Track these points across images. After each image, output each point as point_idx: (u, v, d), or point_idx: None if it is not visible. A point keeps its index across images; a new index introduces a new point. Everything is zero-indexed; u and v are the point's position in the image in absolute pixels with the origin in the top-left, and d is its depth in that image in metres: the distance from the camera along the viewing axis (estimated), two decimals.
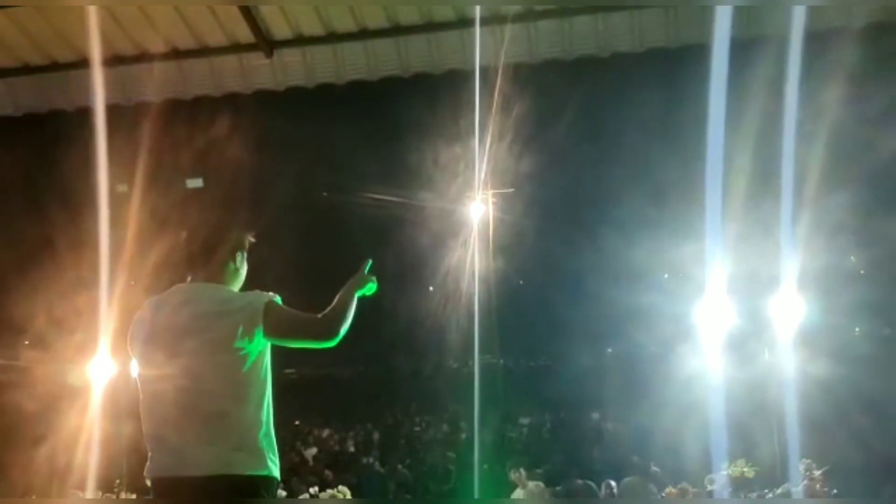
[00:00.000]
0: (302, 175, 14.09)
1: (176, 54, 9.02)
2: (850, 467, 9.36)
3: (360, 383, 20.27)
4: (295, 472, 13.43)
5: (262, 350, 3.18)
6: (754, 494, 6.44)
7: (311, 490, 7.19)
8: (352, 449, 15.72)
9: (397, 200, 14.22)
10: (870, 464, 10.15)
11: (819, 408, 10.32)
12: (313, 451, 14.98)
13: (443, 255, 14.96)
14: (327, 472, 13.45)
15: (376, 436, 16.63)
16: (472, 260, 14.13)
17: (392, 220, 15.38)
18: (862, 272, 15.28)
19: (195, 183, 13.84)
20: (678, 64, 9.77)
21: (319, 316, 3.22)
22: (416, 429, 16.89)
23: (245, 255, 3.42)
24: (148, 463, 3.14)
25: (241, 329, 3.09)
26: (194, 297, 3.25)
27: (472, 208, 14.01)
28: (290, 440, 16.00)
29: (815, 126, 10.22)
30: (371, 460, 14.49)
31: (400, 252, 17.62)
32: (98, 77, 8.73)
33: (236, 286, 3.37)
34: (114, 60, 8.80)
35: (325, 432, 16.38)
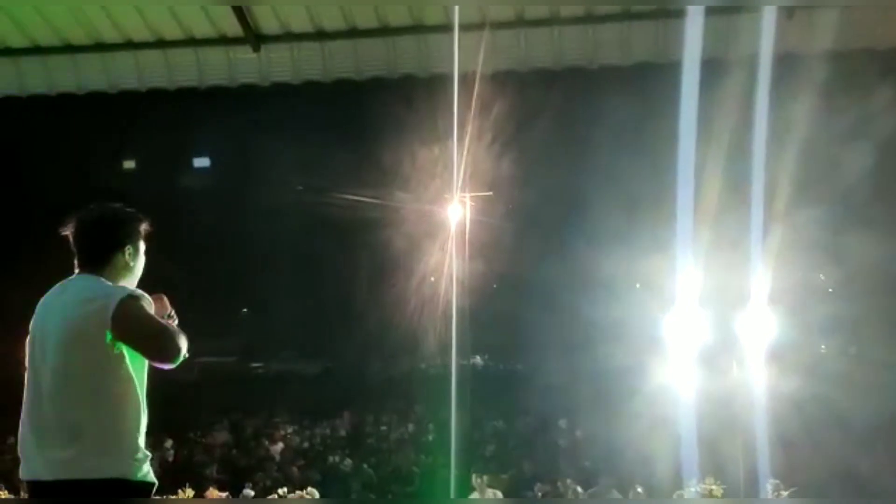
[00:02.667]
0: (281, 172, 14.00)
1: (162, 44, 8.93)
2: (818, 484, 9.50)
3: (330, 381, 20.19)
4: (261, 468, 13.33)
5: (122, 350, 2.99)
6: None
7: (281, 490, 7.12)
8: (318, 446, 15.63)
9: (376, 201, 14.18)
10: (836, 480, 10.32)
11: (786, 425, 10.46)
12: (279, 446, 14.88)
13: (418, 256, 14.94)
14: (293, 468, 13.37)
15: (343, 434, 16.56)
16: (448, 262, 14.11)
17: (369, 220, 15.32)
18: (830, 290, 15.54)
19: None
20: (663, 78, 9.85)
21: (168, 330, 3.03)
22: (383, 428, 16.83)
23: (139, 247, 3.22)
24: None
25: (92, 327, 2.93)
26: (68, 290, 3.09)
27: (450, 210, 13.98)
28: (257, 435, 15.87)
29: (785, 143, 10.37)
30: (337, 458, 14.41)
31: (376, 252, 17.60)
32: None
33: (127, 281, 3.17)
34: (97, 47, 8.69)
35: (292, 428, 16.27)
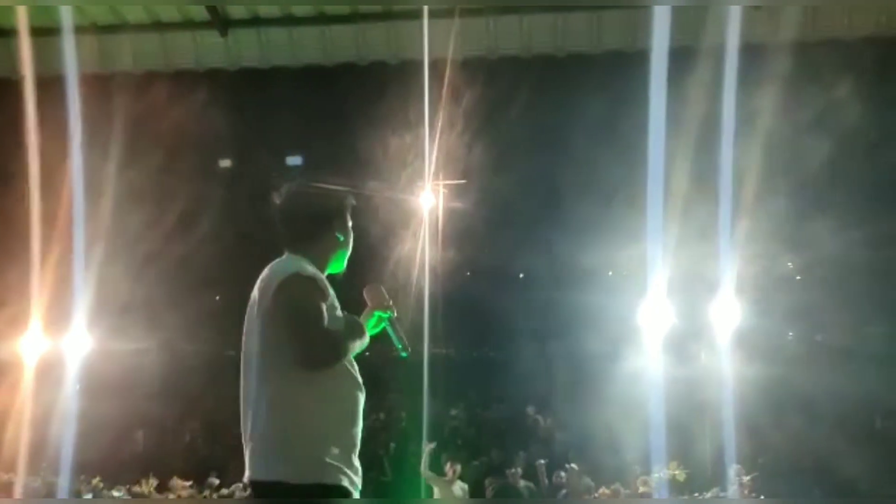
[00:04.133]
0: (242, 160, 13.89)
1: (126, 28, 8.83)
2: (782, 469, 9.64)
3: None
4: (231, 455, 13.28)
5: None
6: (685, 497, 6.57)
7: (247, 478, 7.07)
8: None
9: (347, 189, 14.09)
10: (801, 466, 10.47)
11: (753, 411, 10.58)
12: None
13: (391, 244, 14.91)
14: None
15: None
16: (421, 249, 14.11)
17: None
18: (798, 277, 15.71)
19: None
20: (633, 68, 9.89)
21: (321, 333, 2.73)
22: None
23: (347, 223, 3.01)
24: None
25: (268, 312, 2.71)
26: (268, 272, 2.84)
27: (422, 198, 13.97)
28: (228, 424, 15.80)
29: (753, 133, 10.47)
30: None
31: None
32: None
33: (339, 260, 2.99)
34: (55, 30, 8.57)
35: None
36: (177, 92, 9.79)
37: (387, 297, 3.08)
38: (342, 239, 3.00)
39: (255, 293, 2.86)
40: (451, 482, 9.52)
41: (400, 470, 13.02)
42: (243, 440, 2.82)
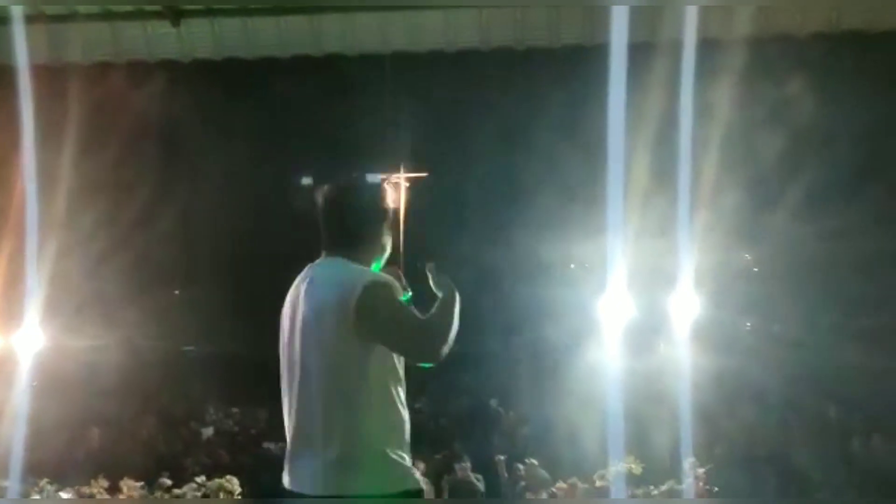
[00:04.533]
0: (202, 153, 13.69)
1: (76, 17, 8.62)
2: (737, 461, 9.75)
3: (265, 364, 19.96)
4: (188, 453, 13.12)
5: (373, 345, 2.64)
6: (640, 491, 6.61)
7: (199, 479, 6.99)
8: (252, 430, 15.45)
9: (306, 182, 14.00)
10: (756, 456, 10.60)
11: (710, 403, 10.69)
12: (210, 430, 14.66)
13: None
14: (221, 452, 13.18)
15: (277, 418, 16.41)
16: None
17: (301, 201, 15.12)
18: (756, 269, 15.92)
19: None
20: (592, 62, 9.89)
21: (424, 324, 2.67)
22: None
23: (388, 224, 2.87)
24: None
25: (338, 319, 2.60)
26: (315, 276, 2.75)
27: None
28: (186, 419, 15.60)
29: (710, 128, 10.55)
30: (270, 443, 14.27)
31: (307, 233, 17.39)
32: None
33: (381, 262, 2.88)
34: (2, 20, 8.34)
35: (225, 412, 16.04)
36: (129, 83, 9.60)
37: (403, 280, 2.95)
38: (385, 243, 2.90)
39: (308, 300, 2.71)
40: None
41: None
42: (296, 450, 2.73)
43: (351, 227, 2.82)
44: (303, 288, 2.77)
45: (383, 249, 2.88)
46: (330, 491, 2.62)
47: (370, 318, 2.61)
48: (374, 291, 2.64)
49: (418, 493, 2.77)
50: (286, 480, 2.79)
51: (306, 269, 2.86)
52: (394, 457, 2.69)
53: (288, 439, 2.81)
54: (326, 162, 13.25)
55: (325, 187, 2.89)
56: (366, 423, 2.65)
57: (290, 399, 2.79)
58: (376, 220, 2.84)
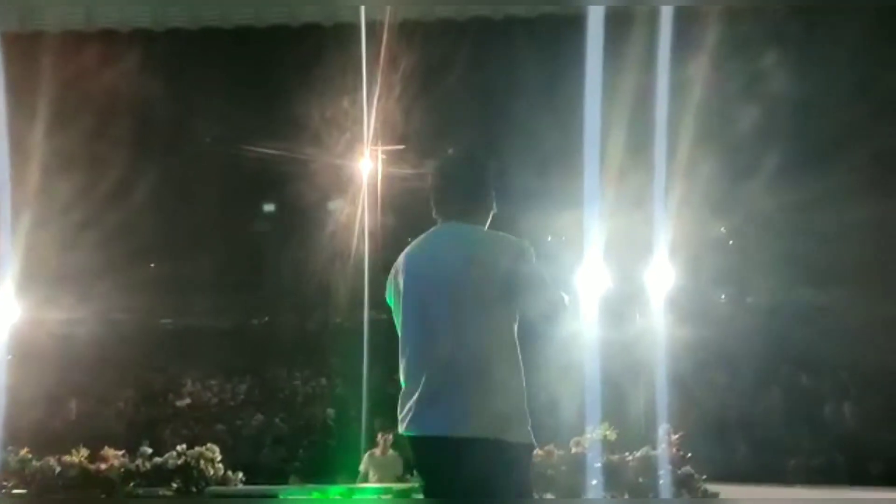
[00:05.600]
0: (177, 125, 13.54)
1: None
2: (711, 428, 9.93)
3: (241, 336, 19.95)
4: (166, 425, 13.18)
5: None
6: (616, 457, 6.73)
7: (180, 447, 7.02)
8: (229, 401, 15.51)
9: (284, 153, 13.92)
10: (729, 423, 10.80)
11: (685, 371, 10.86)
12: (186, 402, 14.71)
13: (330, 211, 14.78)
14: (199, 424, 13.23)
15: (255, 389, 16.46)
16: (361, 216, 14.03)
17: (277, 173, 15.05)
18: (731, 242, 16.09)
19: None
20: (570, 31, 9.89)
21: (553, 284, 2.91)
22: (296, 383, 16.78)
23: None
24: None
25: (496, 281, 2.81)
26: (455, 241, 2.92)
27: (361, 164, 13.85)
28: (164, 391, 15.62)
29: (687, 99, 10.62)
30: (247, 413, 14.34)
31: (285, 206, 17.33)
32: None
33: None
34: None
35: (202, 384, 16.06)
36: (102, 53, 9.48)
37: None
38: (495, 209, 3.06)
39: (460, 260, 2.86)
40: (383, 452, 9.35)
41: (340, 435, 13.07)
42: (436, 397, 2.83)
43: (479, 195, 3.00)
44: (437, 251, 2.94)
45: (488, 221, 3.05)
46: (474, 433, 2.77)
47: (527, 270, 2.84)
48: (527, 248, 2.88)
49: (532, 448, 2.96)
50: (410, 427, 2.92)
51: (432, 234, 3.01)
52: (526, 410, 2.91)
53: (420, 388, 2.90)
54: (303, 133, 13.18)
55: (448, 158, 3.07)
56: (514, 377, 2.86)
57: (428, 351, 2.91)
58: (488, 189, 3.03)
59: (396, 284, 3.00)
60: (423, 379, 2.88)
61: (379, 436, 9.55)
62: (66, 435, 10.16)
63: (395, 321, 3.06)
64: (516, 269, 2.84)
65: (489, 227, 3.05)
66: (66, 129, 10.90)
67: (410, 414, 2.90)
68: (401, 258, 3.04)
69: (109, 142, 12.51)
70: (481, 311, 2.84)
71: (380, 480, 8.86)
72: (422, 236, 3.04)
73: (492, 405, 2.79)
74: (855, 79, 11.71)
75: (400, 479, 8.71)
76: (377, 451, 9.40)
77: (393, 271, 3.05)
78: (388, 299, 3.10)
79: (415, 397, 2.89)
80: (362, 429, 11.61)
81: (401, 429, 2.95)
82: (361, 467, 9.37)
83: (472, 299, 2.83)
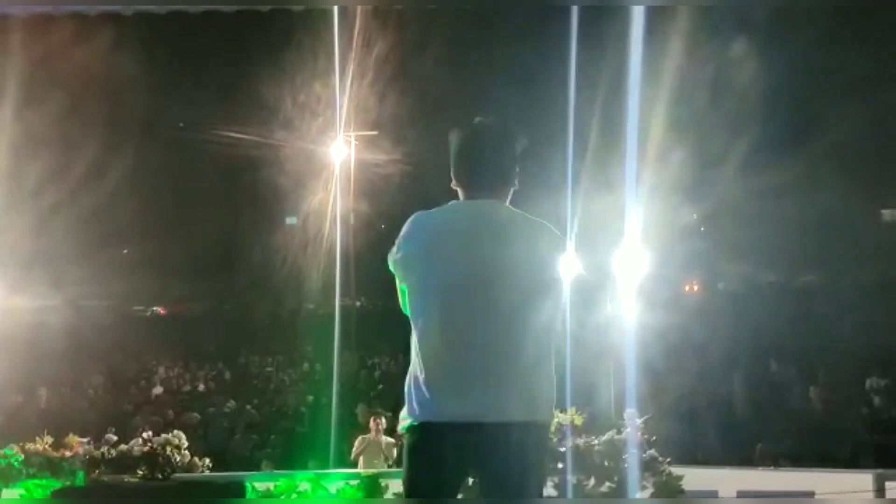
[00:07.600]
0: (150, 109, 13.40)
1: None
2: (680, 412, 10.04)
3: (213, 322, 19.88)
4: (137, 412, 13.11)
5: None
6: (581, 441, 6.80)
7: (145, 434, 7.00)
8: (201, 388, 15.45)
9: (256, 139, 13.85)
10: (698, 408, 10.93)
11: (655, 357, 10.96)
12: (159, 389, 14.63)
13: (302, 196, 14.73)
14: (170, 411, 13.18)
15: (227, 375, 16.41)
16: (333, 201, 14.00)
17: (248, 158, 14.98)
18: (702, 228, 16.24)
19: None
20: (547, 18, 9.90)
21: None
22: (269, 369, 16.75)
23: None
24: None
25: (547, 262, 2.73)
26: (493, 217, 2.76)
27: (334, 149, 13.82)
28: (136, 378, 15.54)
29: (659, 86, 10.67)
30: (219, 399, 14.30)
31: (257, 192, 17.25)
32: None
33: None
34: None
35: (174, 371, 16.00)
36: (71, 37, 9.36)
37: None
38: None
39: (499, 241, 2.74)
40: (376, 437, 9.31)
41: (315, 421, 13.07)
42: (473, 382, 2.68)
43: (510, 169, 2.83)
44: (483, 229, 2.77)
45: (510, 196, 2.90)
46: (512, 417, 2.67)
47: (556, 274, 2.77)
48: (564, 248, 2.84)
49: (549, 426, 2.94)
50: (442, 412, 2.70)
51: (458, 209, 2.83)
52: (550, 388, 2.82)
53: (453, 374, 2.71)
54: (275, 117, 13.12)
55: (485, 125, 2.85)
56: (549, 361, 2.76)
57: (463, 336, 2.71)
58: (515, 164, 2.86)
59: (412, 258, 2.76)
60: (457, 364, 2.69)
61: (371, 420, 9.49)
62: (36, 423, 10.09)
63: (402, 299, 2.85)
64: (553, 262, 2.77)
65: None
66: (33, 113, 10.76)
67: (441, 400, 2.69)
68: (417, 230, 2.78)
69: (78, 127, 12.37)
70: (521, 299, 2.71)
71: (373, 465, 8.84)
72: (447, 208, 2.83)
73: (531, 388, 2.70)
74: (826, 67, 11.82)
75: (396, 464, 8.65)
76: (370, 436, 9.34)
77: (406, 243, 2.78)
78: (399, 273, 2.82)
79: (445, 383, 2.69)
80: (332, 415, 11.59)
81: (421, 416, 2.69)
82: (354, 451, 9.34)
83: (513, 288, 2.70)
